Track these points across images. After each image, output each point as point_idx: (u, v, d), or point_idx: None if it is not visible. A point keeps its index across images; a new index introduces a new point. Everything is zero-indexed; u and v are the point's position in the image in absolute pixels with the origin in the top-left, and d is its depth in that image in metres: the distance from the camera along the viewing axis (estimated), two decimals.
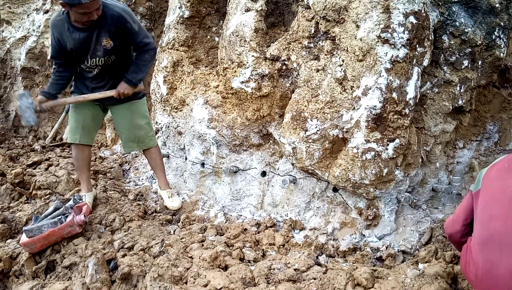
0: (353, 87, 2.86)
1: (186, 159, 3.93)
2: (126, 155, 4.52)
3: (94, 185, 3.75)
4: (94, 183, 3.79)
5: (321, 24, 2.98)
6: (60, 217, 2.80)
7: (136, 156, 4.50)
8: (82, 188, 3.39)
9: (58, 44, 3.01)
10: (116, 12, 2.90)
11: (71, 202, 3.00)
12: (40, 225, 2.70)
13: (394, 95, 2.77)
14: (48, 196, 3.47)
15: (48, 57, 5.32)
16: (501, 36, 3.01)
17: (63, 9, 2.88)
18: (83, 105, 3.25)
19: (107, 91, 3.13)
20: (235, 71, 3.36)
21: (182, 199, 3.67)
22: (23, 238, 2.68)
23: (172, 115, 3.93)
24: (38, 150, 4.77)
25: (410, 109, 2.85)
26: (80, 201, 3.07)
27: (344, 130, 2.93)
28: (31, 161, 4.14)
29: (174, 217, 3.50)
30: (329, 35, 2.97)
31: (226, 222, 3.39)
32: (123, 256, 2.63)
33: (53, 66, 3.16)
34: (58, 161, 4.20)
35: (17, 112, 5.73)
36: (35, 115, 3.04)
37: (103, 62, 3.08)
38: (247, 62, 3.29)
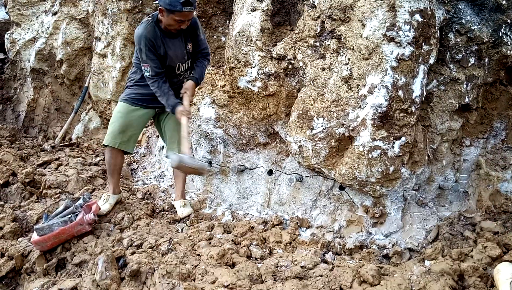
0: (359, 85, 2.87)
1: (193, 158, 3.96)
2: (134, 154, 4.57)
3: (103, 184, 3.80)
4: (103, 182, 3.84)
5: (326, 23, 3.00)
6: (70, 215, 2.85)
7: (144, 156, 4.55)
8: (109, 189, 3.40)
9: (154, 55, 2.97)
10: (193, 18, 3.02)
11: (80, 201, 3.04)
12: (51, 224, 2.74)
13: (400, 93, 2.77)
14: (58, 195, 3.53)
15: (57, 58, 5.38)
16: (508, 33, 3.01)
17: (148, 18, 2.98)
18: (136, 110, 3.21)
19: (188, 95, 3.12)
20: (241, 71, 3.39)
21: (190, 197, 3.70)
22: (34, 236, 2.73)
23: None
24: (48, 150, 4.83)
25: (416, 107, 2.85)
26: (90, 199, 3.12)
27: (350, 128, 2.94)
28: (41, 161, 4.19)
29: None
30: (334, 34, 2.98)
31: (233, 220, 3.42)
32: (132, 253, 2.67)
33: (155, 83, 3.04)
34: (67, 161, 4.26)
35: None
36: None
37: (188, 65, 3.21)
38: (254, 62, 3.31)
